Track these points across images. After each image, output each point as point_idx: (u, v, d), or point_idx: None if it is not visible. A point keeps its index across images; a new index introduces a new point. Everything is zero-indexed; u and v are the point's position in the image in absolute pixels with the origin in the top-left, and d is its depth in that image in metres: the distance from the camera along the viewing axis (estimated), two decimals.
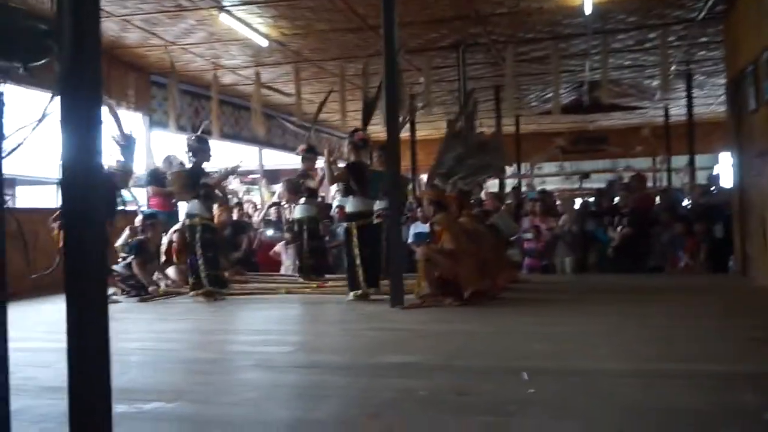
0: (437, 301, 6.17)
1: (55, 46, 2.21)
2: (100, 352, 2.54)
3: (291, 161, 16.83)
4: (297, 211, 8.58)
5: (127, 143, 7.45)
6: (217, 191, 8.42)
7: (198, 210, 7.24)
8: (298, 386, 3.43)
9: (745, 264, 8.33)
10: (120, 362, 3.88)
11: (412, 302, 6.21)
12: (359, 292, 6.80)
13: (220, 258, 8.57)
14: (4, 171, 2.53)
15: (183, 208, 8.10)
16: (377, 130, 7.85)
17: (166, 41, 9.52)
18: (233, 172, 7.51)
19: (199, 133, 7.74)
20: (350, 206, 6.95)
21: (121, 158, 7.41)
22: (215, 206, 8.57)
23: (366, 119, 7.37)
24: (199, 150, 7.34)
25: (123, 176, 7.42)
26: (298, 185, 8.60)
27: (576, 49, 10.61)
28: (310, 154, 8.40)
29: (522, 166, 17.03)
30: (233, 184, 14.04)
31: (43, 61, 2.26)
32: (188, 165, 7.49)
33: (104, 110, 6.99)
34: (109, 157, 7.44)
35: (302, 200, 8.50)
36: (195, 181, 7.29)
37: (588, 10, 8.36)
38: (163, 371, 3.84)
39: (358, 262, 6.78)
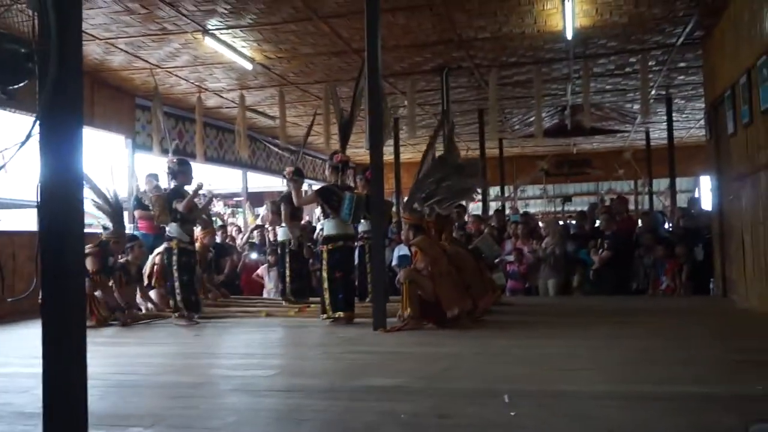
0: (420, 324, 6.16)
1: (34, 68, 2.22)
2: (77, 377, 2.51)
3: (275, 184, 16.88)
4: (280, 234, 8.57)
5: (112, 207, 7.40)
6: (203, 215, 8.40)
7: (175, 233, 7.20)
8: (278, 410, 3.40)
9: (725, 286, 8.40)
10: (99, 387, 3.84)
11: (394, 325, 6.19)
12: (324, 316, 6.82)
13: (203, 280, 8.54)
14: None
15: None
16: (362, 153, 7.89)
17: (150, 64, 9.53)
18: (196, 194, 7.43)
19: (170, 153, 7.73)
20: (324, 229, 6.97)
21: (109, 224, 7.38)
22: (198, 229, 8.54)
23: (343, 141, 7.41)
24: (180, 172, 7.32)
25: (116, 242, 7.38)
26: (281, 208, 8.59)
27: (558, 73, 10.74)
28: (297, 177, 8.39)
29: (505, 189, 17.11)
30: (217, 206, 14.02)
31: (22, 84, 2.25)
32: (170, 187, 7.46)
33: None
34: (98, 225, 7.43)
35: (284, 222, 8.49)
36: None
37: (569, 35, 8.47)
38: (143, 396, 3.79)
39: (325, 285, 6.79)
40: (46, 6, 2.37)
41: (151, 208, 8.89)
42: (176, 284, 7.15)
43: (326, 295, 6.78)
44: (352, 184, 7.87)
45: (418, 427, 3.01)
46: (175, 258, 7.15)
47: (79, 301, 2.61)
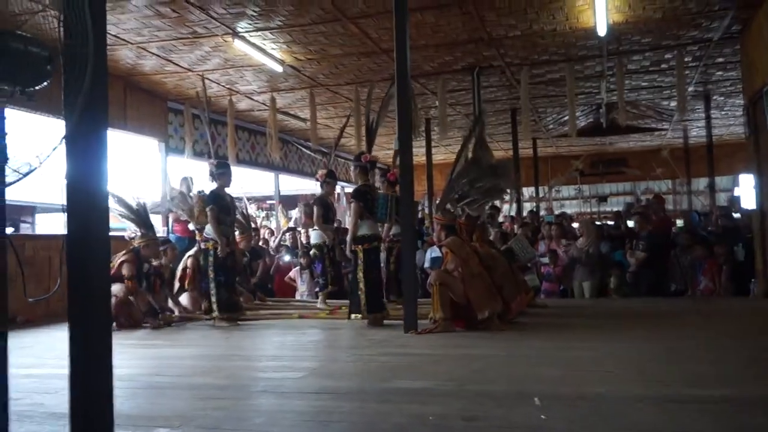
0: (450, 326, 6.13)
1: (54, 71, 2.25)
2: (103, 378, 2.53)
3: (308, 186, 16.96)
4: (313, 237, 8.60)
5: (137, 215, 7.49)
6: (240, 218, 8.49)
7: (212, 235, 7.28)
8: (306, 412, 3.40)
9: (766, 287, 8.20)
10: (127, 388, 3.89)
11: (425, 327, 6.17)
12: (359, 316, 6.86)
13: (238, 284, 8.62)
14: (22, 198, 2.58)
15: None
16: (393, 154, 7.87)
17: (182, 68, 9.63)
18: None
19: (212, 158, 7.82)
20: (359, 229, 6.98)
21: (139, 230, 7.49)
22: (237, 233, 8.64)
23: (369, 142, 7.46)
24: (219, 174, 7.43)
25: (146, 246, 7.46)
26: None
27: (591, 71, 10.61)
28: (330, 179, 8.42)
29: (540, 190, 16.97)
30: (250, 209, 14.13)
31: (41, 86, 2.29)
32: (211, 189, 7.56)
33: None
34: (130, 231, 7.57)
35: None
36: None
37: (602, 31, 8.35)
38: (170, 397, 3.82)
39: (361, 286, 6.82)
40: (79, 11, 2.41)
41: (176, 211, 8.95)
42: (212, 285, 7.23)
43: (362, 296, 6.82)
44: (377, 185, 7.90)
45: (446, 429, 2.99)
46: (211, 259, 7.23)
47: (105, 303, 2.64)
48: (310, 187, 16.62)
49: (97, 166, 2.64)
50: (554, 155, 19.20)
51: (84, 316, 2.51)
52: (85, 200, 2.59)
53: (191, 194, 8.64)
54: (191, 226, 8.66)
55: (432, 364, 4.68)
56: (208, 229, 7.35)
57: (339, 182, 15.99)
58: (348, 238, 7.05)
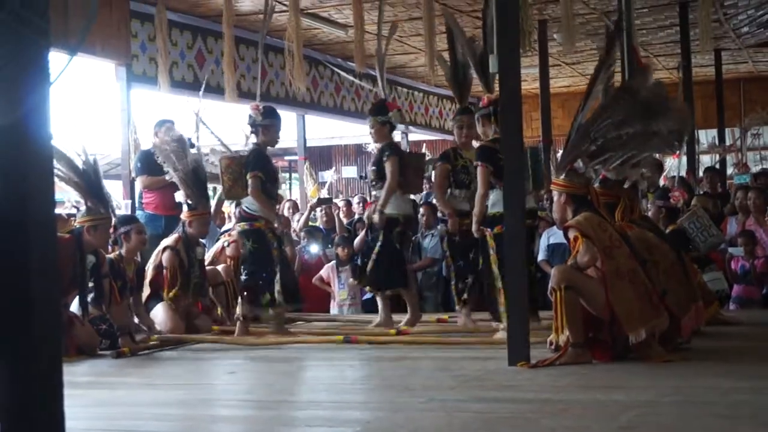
0: (585, 355, 6.14)
1: None
2: None
3: (348, 132, 17.01)
4: (392, 205, 8.75)
5: (85, 178, 7.63)
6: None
7: (260, 210, 7.86)
8: None
9: None
10: None
11: (543, 358, 6.19)
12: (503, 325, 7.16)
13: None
14: None
15: None
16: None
17: None
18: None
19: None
20: (491, 204, 7.48)
21: (84, 203, 7.67)
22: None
23: (462, 91, 8.14)
24: (266, 127, 7.84)
25: (98, 231, 7.59)
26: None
27: None
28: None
29: (727, 133, 16.74)
30: None
31: None
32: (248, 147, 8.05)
33: None
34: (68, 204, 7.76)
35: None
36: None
37: None
38: None
39: (498, 284, 7.33)
40: None
41: (165, 165, 9.07)
42: (277, 277, 7.81)
43: (501, 299, 7.26)
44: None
45: None
46: (275, 243, 7.90)
47: (52, 323, 2.67)
48: (356, 133, 16.68)
49: (36, 105, 2.65)
50: (751, 77, 18.85)
51: (21, 344, 2.55)
52: (18, 160, 2.61)
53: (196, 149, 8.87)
54: (180, 197, 8.84)
55: (554, 417, 4.69)
56: (252, 204, 7.86)
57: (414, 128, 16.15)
58: (475, 218, 7.58)
